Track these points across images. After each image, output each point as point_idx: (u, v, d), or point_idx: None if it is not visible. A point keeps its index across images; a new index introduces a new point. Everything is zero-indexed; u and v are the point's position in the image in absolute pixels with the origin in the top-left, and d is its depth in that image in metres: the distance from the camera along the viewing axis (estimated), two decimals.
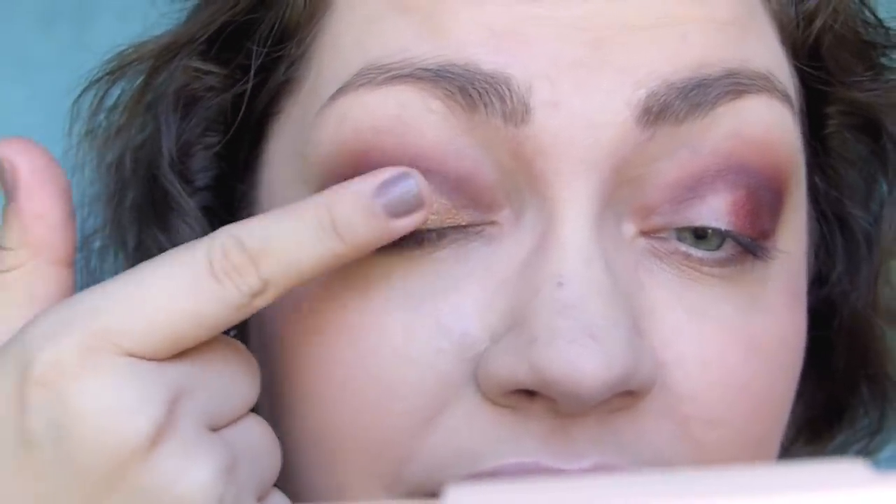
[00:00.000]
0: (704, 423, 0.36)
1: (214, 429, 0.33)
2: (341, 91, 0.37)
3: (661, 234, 0.37)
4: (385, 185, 0.34)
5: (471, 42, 0.35)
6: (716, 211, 0.36)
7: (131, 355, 0.32)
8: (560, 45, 0.35)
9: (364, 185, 0.34)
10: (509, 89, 0.35)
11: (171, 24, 0.45)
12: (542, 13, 0.35)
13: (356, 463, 0.36)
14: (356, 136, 0.36)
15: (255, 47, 0.41)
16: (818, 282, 0.46)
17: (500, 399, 0.35)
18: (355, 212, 0.34)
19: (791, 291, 0.39)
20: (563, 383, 0.33)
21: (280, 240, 0.33)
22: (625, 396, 0.35)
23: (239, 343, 0.35)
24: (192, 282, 0.32)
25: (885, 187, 0.45)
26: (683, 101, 0.35)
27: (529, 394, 0.34)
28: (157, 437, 0.31)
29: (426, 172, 0.35)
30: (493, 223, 0.36)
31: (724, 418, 0.36)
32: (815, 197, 0.44)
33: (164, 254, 0.34)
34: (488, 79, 0.35)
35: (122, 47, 0.45)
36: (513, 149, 0.35)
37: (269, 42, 0.40)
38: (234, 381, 0.34)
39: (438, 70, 0.35)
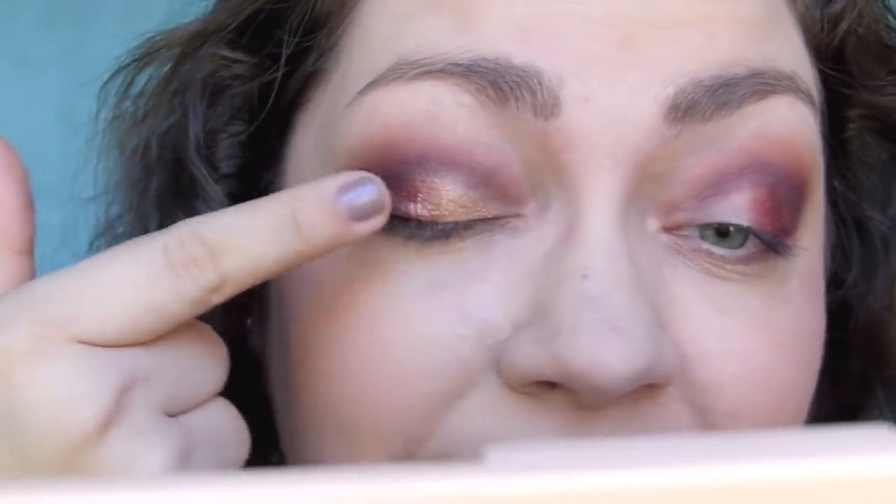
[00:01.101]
0: (726, 416, 0.36)
1: (172, 414, 0.33)
2: (372, 85, 0.37)
3: (684, 232, 0.37)
4: (347, 188, 0.34)
5: (501, 36, 0.36)
6: (738, 208, 0.37)
7: (83, 343, 0.31)
8: (589, 41, 0.35)
9: (326, 186, 0.34)
10: (540, 83, 0.35)
11: (174, 21, 0.45)
12: (572, 8, 0.36)
13: (370, 441, 0.36)
14: (387, 129, 0.36)
15: (285, 36, 0.41)
16: (834, 284, 0.46)
17: (521, 388, 0.35)
18: (319, 212, 0.33)
19: (812, 288, 0.39)
20: (586, 376, 0.33)
21: (240, 235, 0.33)
22: (647, 389, 0.35)
23: (205, 327, 0.35)
24: (148, 272, 0.32)
25: None
26: (711, 98, 0.36)
27: (550, 385, 0.34)
28: (107, 423, 0.31)
29: (454, 165, 0.35)
30: (518, 216, 0.36)
31: (746, 411, 0.36)
32: (834, 199, 0.44)
33: (123, 244, 0.33)
34: (519, 72, 0.35)
35: (151, 34, 0.45)
36: (541, 142, 0.35)
37: (299, 31, 0.40)
38: (196, 367, 0.34)
39: (470, 65, 0.35)
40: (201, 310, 0.33)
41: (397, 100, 0.36)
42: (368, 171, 0.35)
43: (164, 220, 0.45)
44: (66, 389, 0.31)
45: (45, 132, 0.55)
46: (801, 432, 0.24)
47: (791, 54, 0.38)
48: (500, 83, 0.35)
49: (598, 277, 0.34)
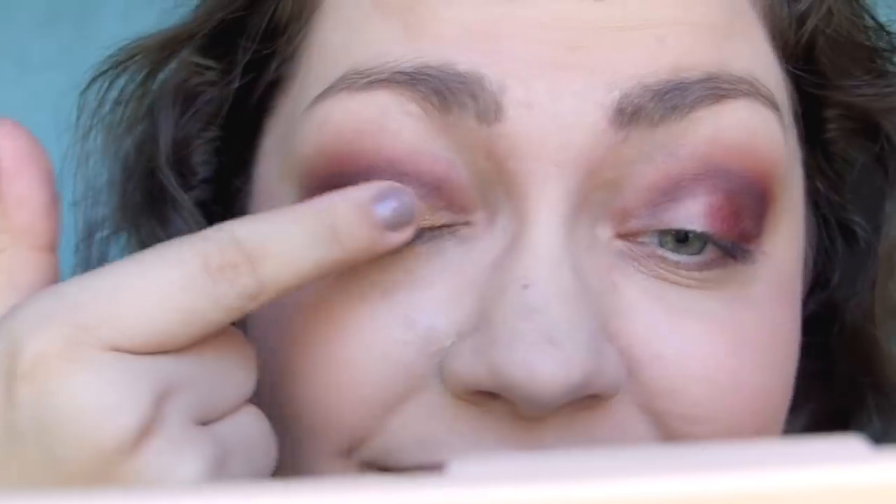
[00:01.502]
0: (685, 419, 0.36)
1: (205, 423, 0.33)
2: (325, 94, 0.37)
3: (640, 238, 0.36)
4: (381, 197, 0.35)
5: (446, 43, 0.35)
6: (693, 214, 0.36)
7: (118, 349, 0.31)
8: (535, 46, 0.35)
9: (362, 195, 0.34)
10: (482, 88, 0.35)
11: (173, 22, 0.45)
12: (518, 13, 0.35)
13: (318, 442, 0.37)
14: (337, 139, 0.36)
15: (246, 43, 0.41)
16: (819, 286, 0.45)
17: (464, 396, 0.35)
18: (356, 221, 0.34)
19: (781, 291, 0.39)
20: (520, 387, 0.33)
21: (279, 241, 0.33)
22: (590, 399, 0.34)
23: (237, 332, 0.34)
24: (185, 277, 0.31)
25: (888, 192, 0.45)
26: (658, 103, 0.35)
27: (492, 394, 0.34)
28: (143, 434, 0.30)
29: (402, 175, 0.35)
30: (467, 224, 0.36)
31: (706, 414, 0.36)
32: (816, 201, 0.44)
33: (157, 246, 0.33)
34: (462, 79, 0.35)
35: (126, 42, 0.45)
36: (487, 149, 0.35)
37: (259, 38, 0.41)
38: (227, 374, 0.33)
39: (414, 73, 0.35)
40: (237, 317, 0.32)
41: (347, 109, 0.36)
42: (320, 179, 0.36)
43: (140, 227, 0.45)
44: (101, 398, 0.30)
45: (44, 132, 0.55)
46: (771, 442, 0.24)
47: (750, 57, 0.38)
48: (443, 90, 0.35)
49: (538, 287, 0.34)
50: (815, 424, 0.48)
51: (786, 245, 0.39)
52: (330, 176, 0.36)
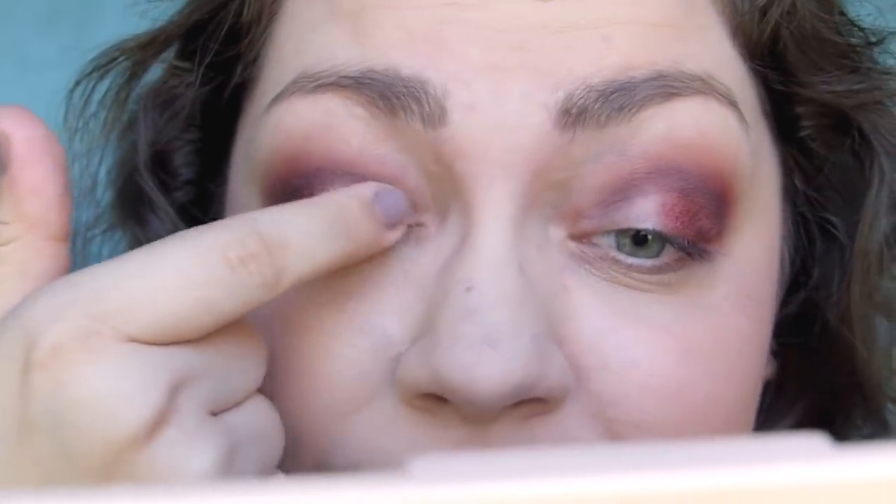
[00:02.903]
0: (633, 427, 0.35)
1: (217, 413, 0.33)
2: (277, 98, 0.37)
3: (593, 240, 0.36)
4: (379, 196, 0.35)
5: (391, 47, 0.36)
6: (645, 213, 0.36)
7: (133, 340, 0.31)
8: (478, 48, 0.35)
9: (365, 191, 0.35)
10: (426, 93, 0.35)
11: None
12: (462, 16, 0.35)
13: (297, 454, 0.36)
14: (289, 142, 0.37)
15: (210, 44, 0.42)
16: (802, 285, 0.45)
17: (416, 401, 0.35)
18: (362, 215, 0.34)
19: (744, 294, 0.38)
20: (460, 390, 0.33)
21: (299, 233, 0.33)
22: (537, 403, 0.34)
23: (246, 323, 0.34)
24: (203, 268, 0.31)
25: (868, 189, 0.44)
26: (605, 103, 0.35)
27: (443, 399, 0.34)
28: (156, 425, 0.30)
29: (351, 177, 0.36)
30: (419, 225, 0.37)
31: (654, 421, 0.35)
32: (795, 200, 0.43)
33: (173, 235, 0.32)
34: (406, 83, 0.35)
35: (107, 45, 0.45)
36: (434, 152, 0.35)
37: (221, 40, 0.41)
38: (239, 364, 0.33)
39: (360, 77, 0.36)
40: (253, 308, 0.32)
41: (296, 113, 0.37)
42: (275, 183, 0.37)
43: (122, 227, 0.46)
44: (116, 389, 0.30)
45: None
46: (731, 440, 0.24)
47: (705, 54, 0.37)
48: (388, 95, 0.35)
49: (481, 289, 0.34)
50: (803, 424, 0.47)
51: (752, 246, 0.38)
52: (282, 179, 0.36)
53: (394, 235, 0.35)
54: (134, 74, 0.45)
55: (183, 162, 0.45)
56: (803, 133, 0.42)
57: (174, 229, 0.44)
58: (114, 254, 0.49)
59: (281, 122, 0.37)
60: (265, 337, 0.36)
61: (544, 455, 0.23)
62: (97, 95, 0.46)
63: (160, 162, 0.45)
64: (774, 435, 0.24)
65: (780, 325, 0.43)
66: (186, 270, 0.31)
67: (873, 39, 0.42)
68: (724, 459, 0.22)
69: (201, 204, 0.46)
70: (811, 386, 0.47)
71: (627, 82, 0.35)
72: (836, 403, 0.48)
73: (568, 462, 0.22)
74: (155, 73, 0.46)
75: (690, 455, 0.23)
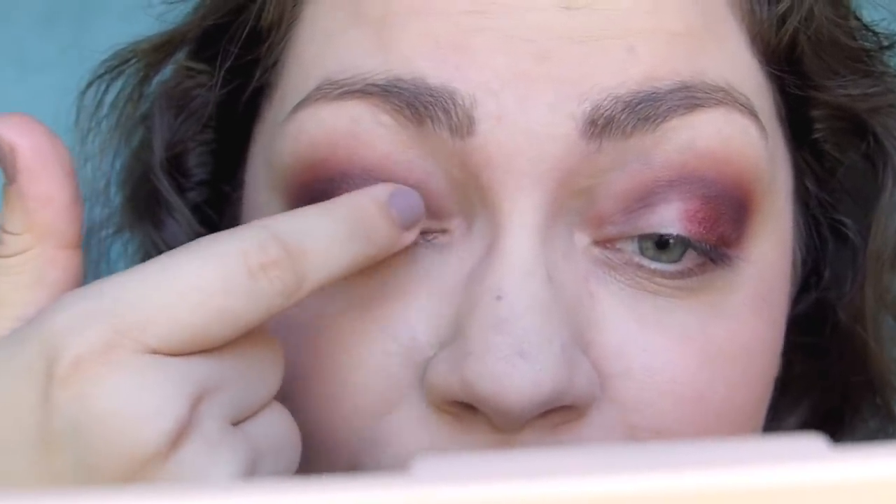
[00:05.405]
0: (653, 433, 0.36)
1: (237, 422, 0.32)
2: (301, 104, 0.37)
3: (617, 245, 0.36)
4: (394, 197, 0.35)
5: (417, 56, 0.36)
6: (669, 219, 0.36)
7: (155, 352, 0.30)
8: (505, 58, 0.35)
9: (381, 192, 0.35)
10: (454, 103, 0.35)
11: (172, 22, 0.46)
12: (488, 25, 0.35)
13: (326, 461, 0.37)
14: (312, 148, 0.37)
15: (230, 47, 0.41)
16: (814, 286, 0.45)
17: (444, 407, 0.35)
18: (380, 217, 0.34)
19: (761, 300, 0.38)
20: (490, 400, 0.33)
21: (318, 237, 0.33)
22: (564, 411, 0.34)
23: (264, 329, 0.34)
24: (225, 278, 0.31)
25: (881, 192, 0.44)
26: (630, 114, 0.35)
27: (471, 406, 0.34)
28: (179, 437, 0.30)
29: (374, 182, 0.36)
30: (444, 231, 0.37)
31: (675, 428, 0.36)
32: (806, 201, 0.43)
33: (192, 243, 0.32)
34: (434, 93, 0.35)
35: (121, 46, 0.45)
36: (461, 161, 0.35)
37: (241, 43, 0.41)
38: (258, 372, 0.33)
39: (386, 85, 0.36)
40: (273, 315, 0.32)
41: (321, 119, 0.36)
42: (299, 188, 0.36)
43: (137, 229, 0.46)
44: (138, 403, 0.29)
45: None
46: (730, 441, 0.24)
47: (726, 63, 0.37)
48: (415, 104, 0.35)
49: (510, 299, 0.34)
50: (810, 423, 0.48)
51: (770, 251, 0.39)
52: (306, 185, 0.36)
53: (410, 236, 0.35)
54: (147, 76, 0.45)
55: (197, 163, 0.45)
56: (816, 136, 0.42)
57: (191, 231, 0.45)
58: (123, 254, 0.49)
59: (304, 128, 0.37)
60: (283, 341, 0.35)
61: (545, 455, 0.23)
62: (109, 97, 0.46)
63: (174, 162, 0.45)
64: (773, 436, 0.24)
65: (789, 324, 0.43)
66: (206, 280, 0.31)
67: (886, 43, 0.43)
68: (722, 460, 0.22)
69: (215, 204, 0.45)
70: (818, 383, 0.47)
71: (653, 93, 0.35)
72: (847, 399, 0.48)
73: (568, 462, 0.23)
74: (163, 73, 0.46)
75: (688, 456, 0.23)
